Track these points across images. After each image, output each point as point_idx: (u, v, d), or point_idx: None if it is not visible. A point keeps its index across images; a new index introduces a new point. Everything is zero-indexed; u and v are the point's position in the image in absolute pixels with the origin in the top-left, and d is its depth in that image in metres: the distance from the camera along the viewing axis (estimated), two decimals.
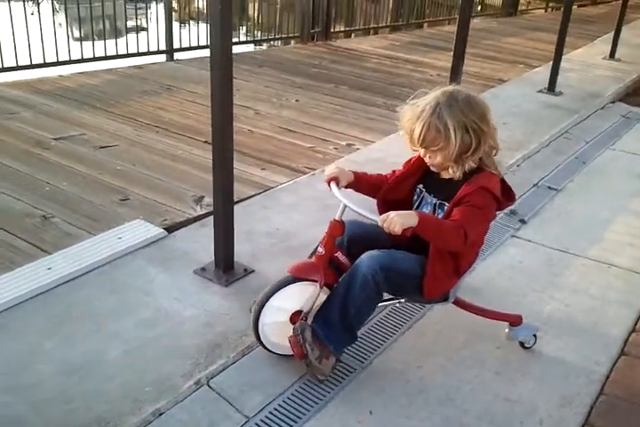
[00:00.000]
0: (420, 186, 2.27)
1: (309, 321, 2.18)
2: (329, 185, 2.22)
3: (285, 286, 2.19)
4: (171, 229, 3.10)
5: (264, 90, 5.59)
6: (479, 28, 8.85)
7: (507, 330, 2.44)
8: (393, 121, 4.71)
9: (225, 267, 2.76)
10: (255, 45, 8.25)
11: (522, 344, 2.46)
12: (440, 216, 2.15)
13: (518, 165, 4.25)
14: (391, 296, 2.33)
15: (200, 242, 2.97)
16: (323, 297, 2.20)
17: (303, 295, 2.19)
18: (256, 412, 2.08)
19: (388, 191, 2.29)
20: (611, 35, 7.73)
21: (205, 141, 4.16)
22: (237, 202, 3.12)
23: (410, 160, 2.31)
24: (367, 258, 2.12)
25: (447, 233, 2.03)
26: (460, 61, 4.23)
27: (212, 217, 2.86)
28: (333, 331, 2.14)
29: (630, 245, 3.34)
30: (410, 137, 2.10)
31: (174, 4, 7.55)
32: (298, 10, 7.96)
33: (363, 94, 5.65)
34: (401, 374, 2.29)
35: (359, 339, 2.33)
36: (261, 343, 2.27)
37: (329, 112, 5.10)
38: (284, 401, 2.13)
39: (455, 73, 4.19)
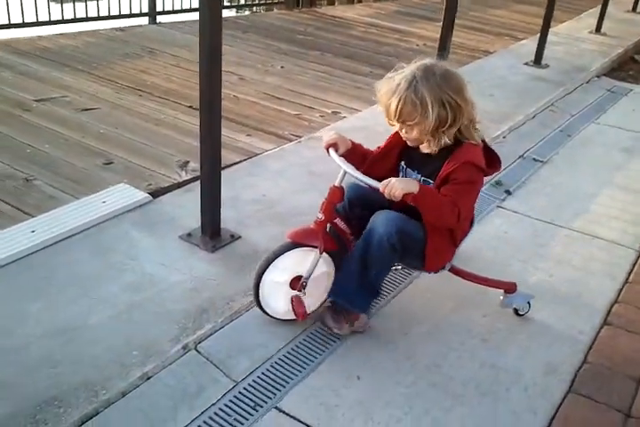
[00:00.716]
0: (403, 162, 2.26)
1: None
2: (327, 151, 2.21)
3: (285, 252, 2.18)
4: (155, 193, 3.06)
5: (248, 55, 5.49)
6: None
7: (501, 297, 2.45)
8: None
9: (211, 233, 2.73)
10: (237, 11, 8.12)
11: (516, 311, 2.48)
12: None
13: (504, 137, 4.25)
14: None
15: (185, 207, 2.94)
16: (322, 263, 2.21)
17: (303, 261, 2.19)
18: (244, 376, 2.08)
19: (371, 167, 2.26)
20: (597, 9, 7.70)
21: (190, 106, 4.10)
22: (223, 168, 3.06)
23: (392, 135, 2.30)
24: (383, 220, 2.11)
25: (444, 207, 2.03)
26: (450, 31, 4.17)
27: (197, 182, 2.82)
28: (354, 297, 2.20)
29: (615, 217, 3.36)
30: (386, 111, 2.09)
31: None
32: None
33: (349, 62, 5.58)
34: (389, 341, 2.30)
35: None
36: (261, 308, 2.26)
37: (315, 79, 5.04)
38: (272, 366, 2.13)
39: (444, 43, 4.14)
